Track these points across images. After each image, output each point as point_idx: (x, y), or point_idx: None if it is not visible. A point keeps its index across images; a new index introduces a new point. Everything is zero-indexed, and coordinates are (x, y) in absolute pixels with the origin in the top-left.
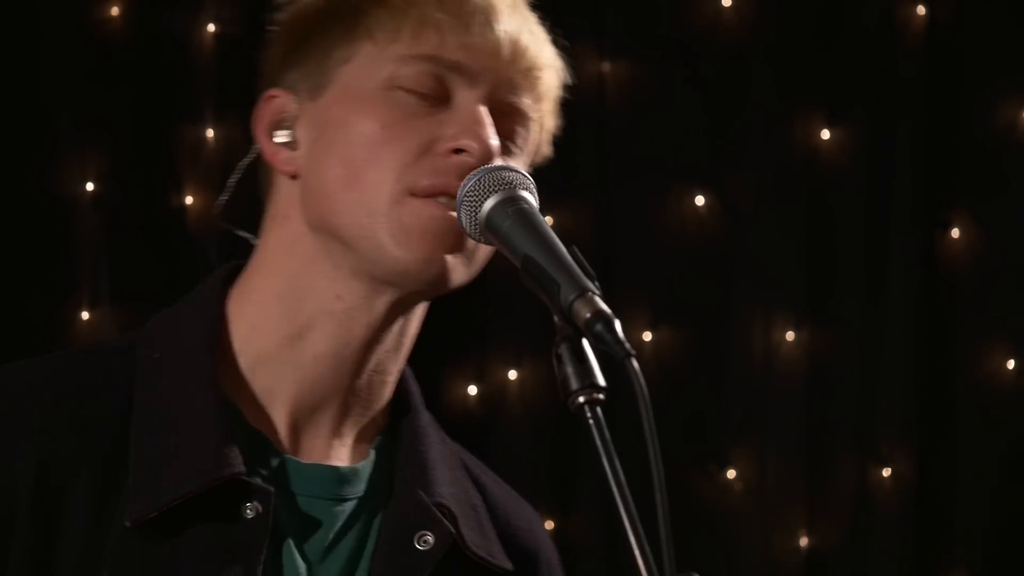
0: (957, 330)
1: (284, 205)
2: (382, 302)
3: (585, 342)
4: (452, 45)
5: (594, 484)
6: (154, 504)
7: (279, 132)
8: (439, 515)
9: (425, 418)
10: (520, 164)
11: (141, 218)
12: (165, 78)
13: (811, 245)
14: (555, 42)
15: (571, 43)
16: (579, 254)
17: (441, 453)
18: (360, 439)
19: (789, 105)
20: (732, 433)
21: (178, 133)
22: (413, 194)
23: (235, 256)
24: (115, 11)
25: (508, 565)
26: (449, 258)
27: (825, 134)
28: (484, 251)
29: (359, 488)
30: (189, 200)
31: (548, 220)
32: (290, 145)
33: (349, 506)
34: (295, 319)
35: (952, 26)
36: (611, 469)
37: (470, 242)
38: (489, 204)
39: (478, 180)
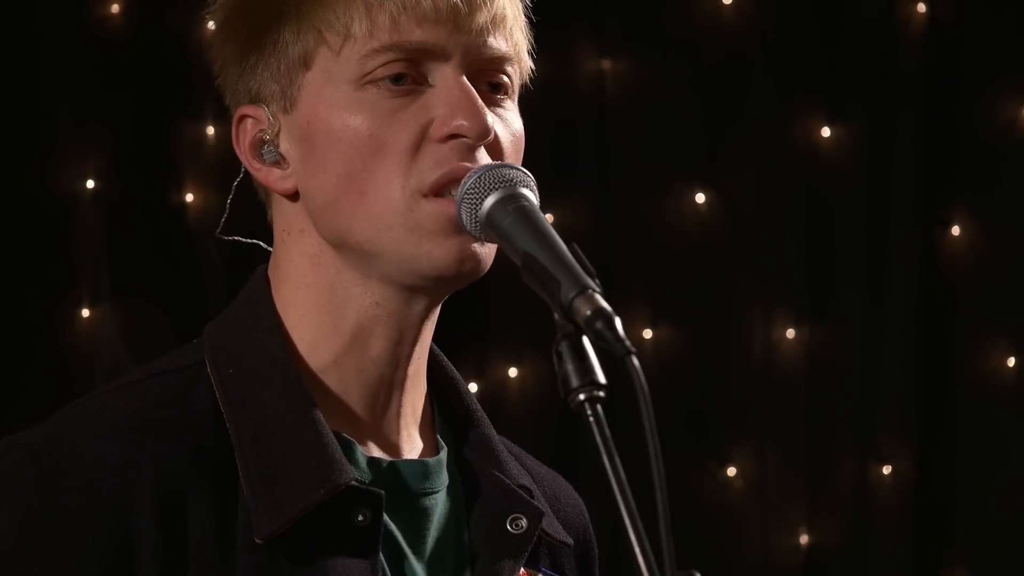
0: (957, 327)
1: (296, 219)
2: (419, 302)
3: (585, 340)
4: (408, 26)
5: (594, 481)
6: (281, 518)
7: (265, 151)
8: (525, 496)
9: (475, 400)
10: (513, 104)
11: (141, 216)
12: (165, 75)
13: (811, 242)
14: None
15: (571, 41)
16: (579, 251)
17: (496, 436)
18: (420, 427)
19: (789, 103)
20: (732, 430)
21: (178, 130)
22: (424, 195)
23: (237, 254)
24: (115, 8)
25: (570, 540)
26: (476, 247)
27: (825, 132)
28: None
29: (443, 479)
30: (189, 198)
31: (548, 218)
32: (279, 163)
33: (440, 498)
34: (343, 328)
35: (952, 23)
36: (611, 467)
37: None
38: (489, 202)
39: (478, 178)
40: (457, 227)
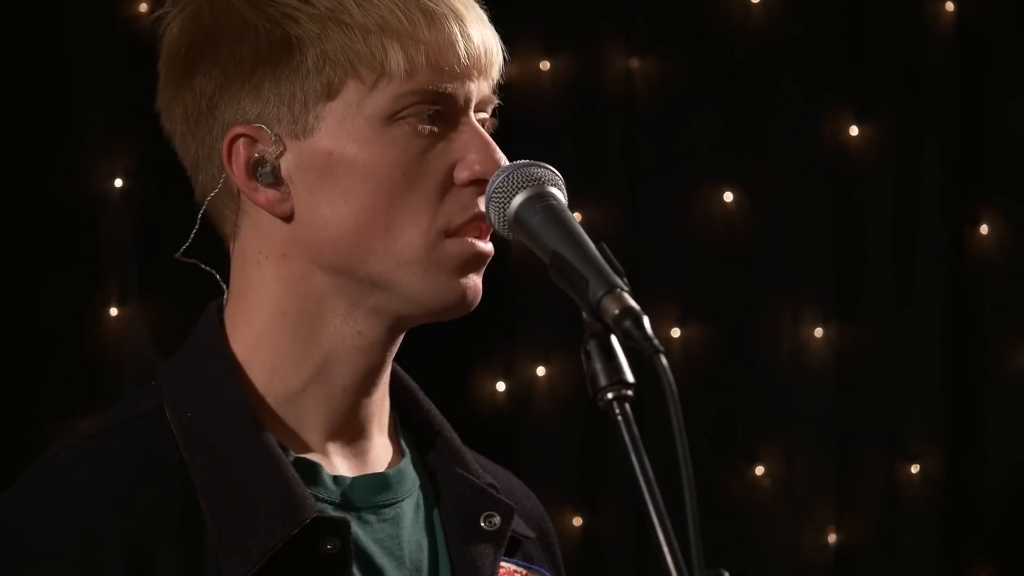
0: (986, 326)
1: (279, 243)
2: (400, 332)
3: (614, 339)
4: (440, 71)
5: (622, 481)
6: (248, 561)
7: (261, 173)
8: (495, 494)
9: (431, 403)
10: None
11: (170, 215)
12: None
13: (839, 241)
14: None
15: (600, 40)
16: (608, 251)
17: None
18: (385, 437)
19: (818, 102)
20: (761, 430)
21: None
22: (448, 235)
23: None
24: (143, 7)
25: (531, 533)
26: (478, 279)
27: (854, 130)
28: None
29: (409, 485)
30: None
31: (577, 216)
32: (276, 185)
33: (407, 505)
34: (314, 356)
35: (981, 22)
36: (640, 466)
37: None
38: (518, 200)
39: (507, 176)
40: (471, 264)
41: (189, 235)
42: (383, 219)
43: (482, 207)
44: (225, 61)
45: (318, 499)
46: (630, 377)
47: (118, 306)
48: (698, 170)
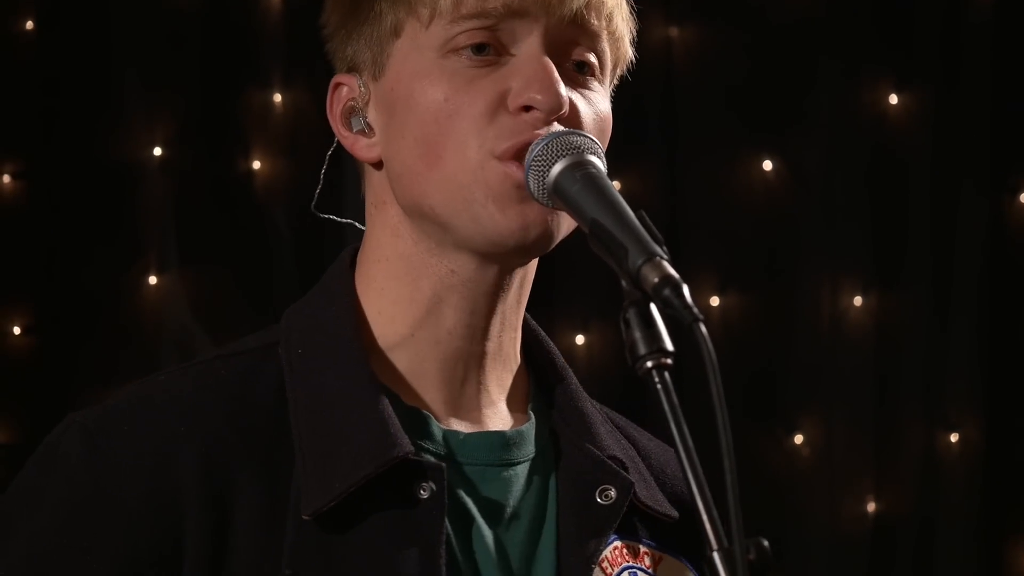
0: None
1: (380, 191)
2: (492, 270)
3: (653, 307)
4: (488, 2)
5: None
6: (330, 493)
7: (354, 119)
8: (615, 468)
9: (571, 374)
10: (601, 87)
11: (209, 183)
12: (233, 43)
13: (879, 210)
14: None
15: (639, 8)
16: (647, 219)
17: (593, 408)
18: (510, 401)
19: (857, 69)
20: (800, 398)
21: (246, 98)
22: (496, 158)
23: (304, 222)
24: None
25: (674, 513)
26: (546, 216)
27: (893, 99)
28: None
29: (527, 450)
30: (257, 165)
31: (616, 185)
32: (366, 132)
33: (521, 469)
34: (419, 299)
35: None
36: (679, 434)
37: None
38: (557, 169)
39: (546, 145)
40: (524, 194)
41: (228, 202)
42: (434, 149)
43: (536, 135)
44: (337, 13)
45: (423, 450)
46: (669, 345)
47: (157, 275)
48: (737, 139)
